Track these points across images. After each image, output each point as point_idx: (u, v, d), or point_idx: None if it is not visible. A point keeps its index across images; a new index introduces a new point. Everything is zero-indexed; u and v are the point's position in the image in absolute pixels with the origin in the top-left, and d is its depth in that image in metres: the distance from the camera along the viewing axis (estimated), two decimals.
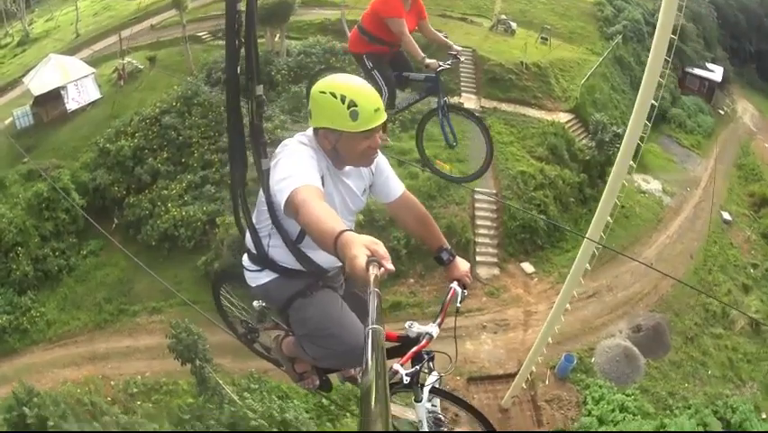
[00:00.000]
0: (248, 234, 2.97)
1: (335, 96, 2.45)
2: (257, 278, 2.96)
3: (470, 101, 22.87)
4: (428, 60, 5.26)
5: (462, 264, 2.94)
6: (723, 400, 19.16)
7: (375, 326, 1.35)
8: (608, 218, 10.88)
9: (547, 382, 16.82)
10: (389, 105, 5.53)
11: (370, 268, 1.66)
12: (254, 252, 2.92)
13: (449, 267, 2.92)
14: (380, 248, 1.77)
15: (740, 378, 19.58)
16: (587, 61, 27.63)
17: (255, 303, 3.61)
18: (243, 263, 3.06)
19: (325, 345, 2.85)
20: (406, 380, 2.46)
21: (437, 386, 2.65)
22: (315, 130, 2.63)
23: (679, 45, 38.45)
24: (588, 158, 22.97)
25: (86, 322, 17.89)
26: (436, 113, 5.61)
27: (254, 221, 2.91)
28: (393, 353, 2.71)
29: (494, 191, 20.09)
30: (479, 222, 20.07)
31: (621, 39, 32.93)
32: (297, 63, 22.82)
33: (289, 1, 24.02)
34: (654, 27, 30.71)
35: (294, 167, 2.45)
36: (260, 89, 2.79)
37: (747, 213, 26.69)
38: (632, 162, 10.64)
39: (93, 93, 24.94)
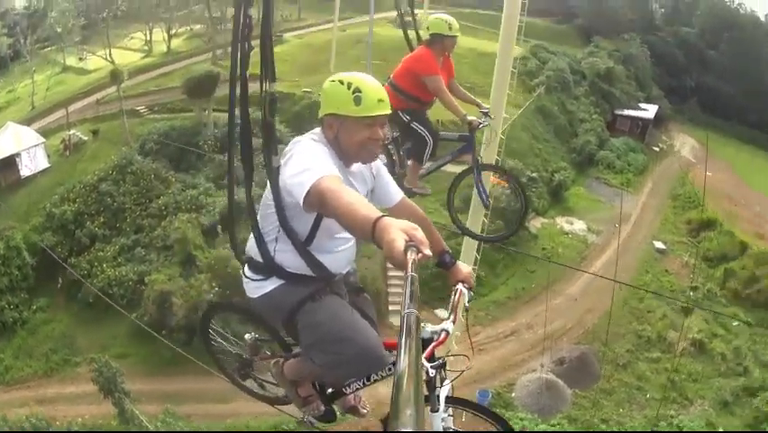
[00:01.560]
0: (250, 242, 3.39)
1: (343, 83, 3.01)
2: (261, 287, 3.35)
3: None
4: (470, 118, 6.21)
5: (464, 267, 3.46)
6: (667, 420, 22.59)
7: (411, 310, 1.58)
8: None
9: (464, 420, 20.42)
10: (432, 154, 6.43)
11: (408, 253, 1.99)
12: (258, 259, 3.32)
13: (452, 270, 3.42)
14: (419, 233, 2.09)
15: (686, 398, 22.24)
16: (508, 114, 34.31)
17: (247, 336, 4.18)
18: (245, 274, 3.44)
19: (338, 351, 3.19)
20: (432, 373, 2.84)
21: (451, 395, 3.01)
22: (322, 120, 3.13)
23: (607, 89, 45.81)
24: (503, 205, 28.88)
25: (36, 369, 22.15)
26: (471, 172, 6.55)
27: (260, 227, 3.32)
28: None
29: None
30: (391, 273, 23.30)
31: (544, 89, 38.73)
32: (222, 133, 27.23)
33: (214, 74, 30.01)
34: (582, 75, 37.14)
35: (312, 159, 2.88)
36: (273, 87, 3.29)
37: (685, 240, 30.94)
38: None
39: (42, 162, 30.54)
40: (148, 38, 48.75)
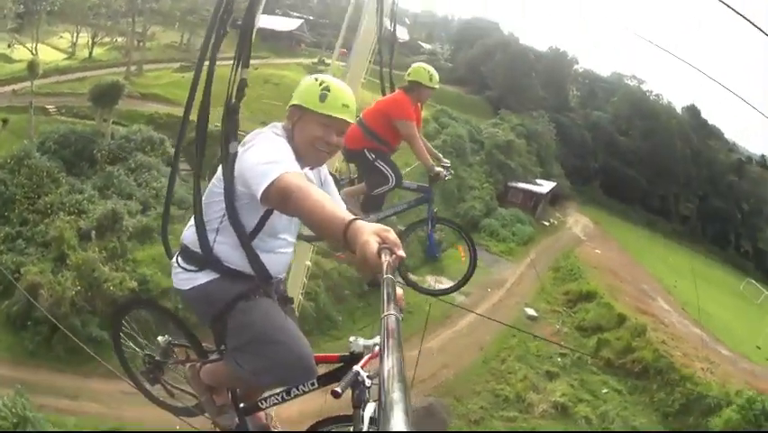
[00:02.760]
0: (187, 232, 3.59)
1: (317, 81, 3.38)
2: (193, 279, 3.55)
3: None
4: (437, 169, 6.55)
5: (396, 289, 3.54)
6: None
7: (391, 312, 1.77)
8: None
9: None
10: (388, 188, 6.70)
11: (382, 255, 2.19)
12: (194, 249, 3.53)
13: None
14: (391, 235, 2.27)
15: None
16: None
17: (161, 338, 4.36)
18: (176, 264, 3.64)
19: (268, 355, 3.40)
20: (369, 384, 3.12)
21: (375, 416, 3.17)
22: (288, 111, 3.46)
23: (503, 161, 50.40)
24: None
25: None
26: (425, 224, 6.92)
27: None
28: (333, 376, 3.47)
29: None
30: None
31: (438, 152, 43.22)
32: (117, 146, 31.03)
33: (119, 85, 33.07)
34: (481, 144, 41.75)
35: (277, 153, 3.10)
36: (245, 72, 3.55)
37: (560, 310, 33.80)
38: None
39: None
40: (74, 40, 52.12)
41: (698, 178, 63.98)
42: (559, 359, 29.70)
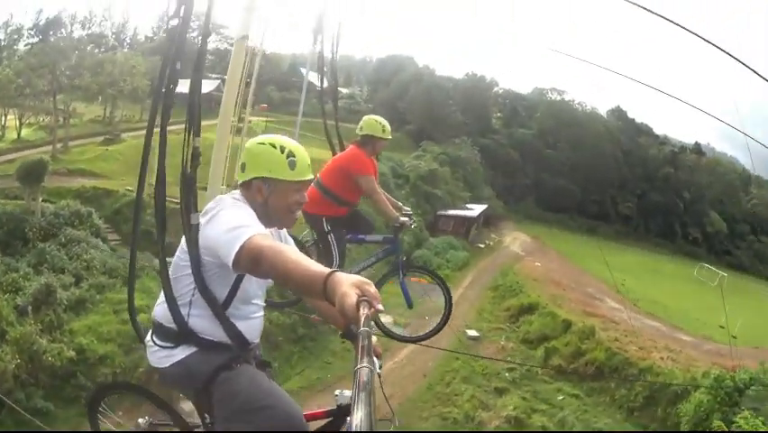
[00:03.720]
0: (159, 309, 3.63)
1: (275, 147, 3.43)
2: (170, 356, 3.57)
3: None
4: (402, 219, 6.75)
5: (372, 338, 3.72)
6: None
7: (364, 364, 1.83)
8: None
9: None
10: (339, 267, 6.53)
11: (361, 307, 2.27)
12: (169, 325, 3.56)
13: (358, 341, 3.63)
14: (371, 288, 2.36)
15: None
16: None
17: (141, 420, 4.30)
18: (151, 342, 3.66)
19: (259, 421, 3.41)
20: None
21: None
22: (247, 184, 3.49)
23: (429, 190, 50.92)
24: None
25: None
26: (396, 273, 7.06)
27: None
28: (326, 429, 3.63)
29: None
30: None
31: None
32: (47, 222, 31.75)
33: (44, 162, 34.51)
34: (406, 178, 42.69)
35: (243, 218, 3.20)
36: (197, 141, 3.64)
37: (503, 326, 34.13)
38: None
39: None
40: (2, 123, 53.30)
41: (633, 177, 65.76)
42: (507, 374, 29.67)
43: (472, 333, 31.85)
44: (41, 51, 51.12)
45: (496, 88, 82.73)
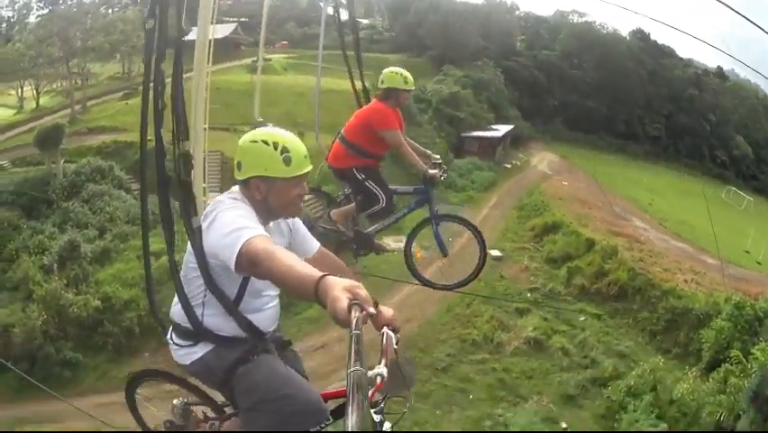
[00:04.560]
0: (175, 309, 3.71)
1: (268, 144, 3.37)
2: (191, 354, 3.67)
3: (213, 199, 33.59)
4: (432, 172, 6.73)
5: (387, 311, 3.52)
6: (494, 419, 23.15)
7: (357, 368, 1.87)
8: None
9: None
10: (388, 211, 6.99)
11: (352, 311, 2.30)
12: (185, 325, 3.63)
13: (376, 317, 3.32)
14: (362, 291, 2.39)
15: (518, 395, 23.56)
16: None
17: (175, 401, 4.45)
18: (171, 341, 3.76)
19: (279, 410, 3.50)
20: (378, 418, 3.36)
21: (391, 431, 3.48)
22: (245, 182, 3.46)
23: (452, 113, 49.93)
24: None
25: None
26: (429, 223, 7.13)
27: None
28: (341, 412, 3.64)
29: None
30: None
31: None
32: (69, 182, 33.18)
33: (60, 126, 35.80)
34: (429, 103, 41.98)
35: (240, 219, 3.20)
36: (186, 145, 3.70)
37: (528, 246, 33.74)
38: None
39: None
40: (20, 95, 53.83)
41: (659, 97, 63.90)
42: (528, 294, 29.18)
43: (496, 253, 31.42)
44: (50, 21, 51.65)
45: (517, 12, 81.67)
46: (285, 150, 3.39)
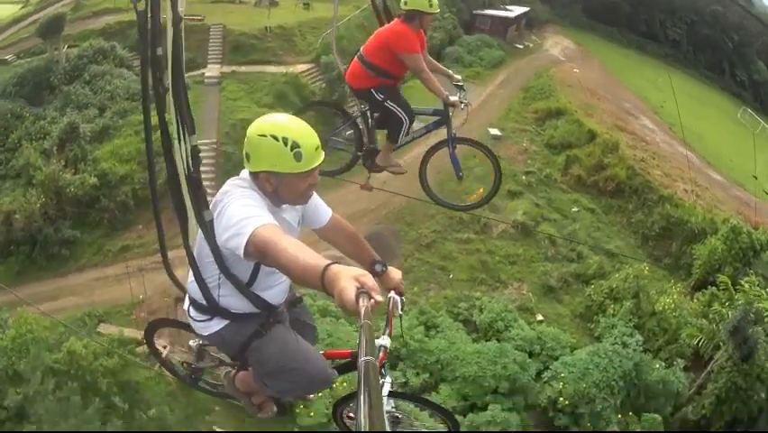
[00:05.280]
0: (192, 286, 3.70)
1: (277, 139, 3.15)
2: (208, 327, 3.75)
3: (213, 70, 33.10)
4: (452, 99, 6.54)
5: (395, 274, 3.92)
6: (470, 301, 22.21)
7: (368, 358, 1.83)
8: None
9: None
10: (407, 132, 6.88)
11: (360, 300, 2.21)
12: (202, 302, 3.67)
13: (383, 278, 3.86)
14: (369, 280, 2.32)
15: (498, 280, 23.16)
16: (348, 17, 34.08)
17: (192, 342, 4.62)
18: (190, 314, 3.82)
19: (290, 379, 3.69)
20: (385, 387, 3.47)
21: (393, 390, 3.72)
22: (255, 174, 3.32)
23: None
24: (318, 98, 29.38)
25: None
26: (445, 145, 7.02)
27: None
28: (346, 368, 3.87)
29: (214, 140, 27.65)
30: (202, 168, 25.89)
31: None
32: (72, 66, 33.25)
33: (62, 14, 35.76)
34: None
35: (246, 209, 3.11)
36: (193, 139, 3.53)
37: (529, 128, 32.51)
38: None
39: None
40: None
41: (682, 7, 60.02)
42: (524, 177, 27.81)
43: (495, 132, 30.39)
44: None
45: None
46: (295, 144, 3.21)
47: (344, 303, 2.28)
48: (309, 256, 2.67)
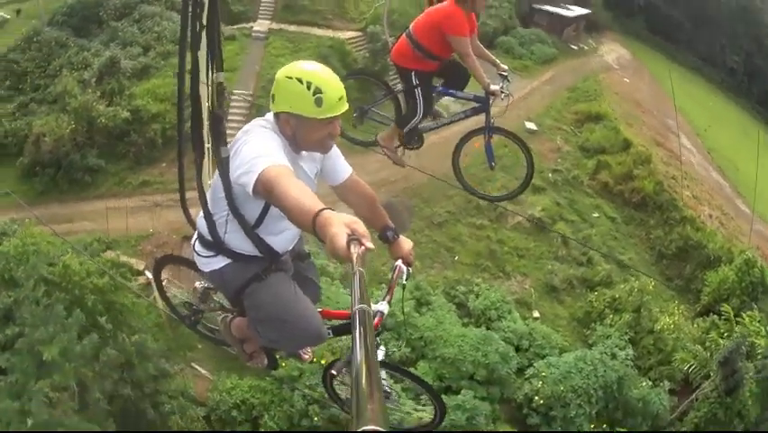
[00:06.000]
0: (200, 221, 3.77)
1: (302, 82, 3.21)
2: (210, 263, 3.79)
3: (262, 25, 33.39)
4: (493, 87, 6.48)
5: (406, 243, 3.97)
6: (469, 286, 22.15)
7: (361, 305, 1.78)
8: None
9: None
10: (416, 125, 6.86)
11: (351, 247, 2.19)
12: (208, 238, 3.72)
13: (393, 246, 3.93)
14: (360, 227, 2.30)
15: (502, 270, 23.15)
16: None
17: (197, 284, 4.67)
18: (195, 249, 3.87)
19: (280, 330, 3.71)
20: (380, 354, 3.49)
21: (383, 360, 3.74)
22: (277, 114, 3.38)
23: None
24: (361, 66, 29.74)
25: None
26: (482, 133, 7.02)
27: (210, 209, 3.68)
28: (343, 330, 3.89)
29: (250, 92, 28.18)
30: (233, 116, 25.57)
31: None
32: (123, 3, 33.89)
33: None
34: None
35: (261, 148, 3.17)
36: (220, 76, 3.60)
37: (566, 128, 32.21)
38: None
39: None
40: None
41: (744, 34, 58.29)
42: (550, 175, 27.51)
43: (531, 126, 30.23)
44: None
45: None
46: (318, 90, 3.23)
47: (335, 249, 2.26)
48: (308, 198, 2.69)
